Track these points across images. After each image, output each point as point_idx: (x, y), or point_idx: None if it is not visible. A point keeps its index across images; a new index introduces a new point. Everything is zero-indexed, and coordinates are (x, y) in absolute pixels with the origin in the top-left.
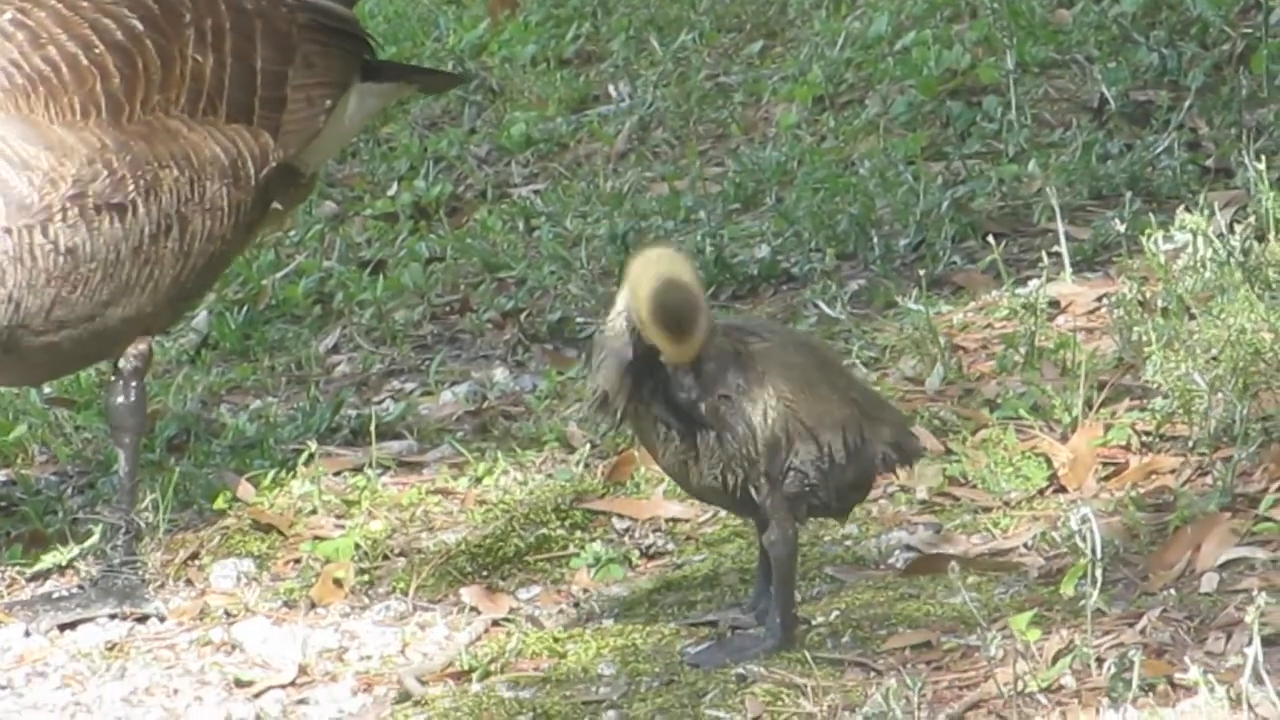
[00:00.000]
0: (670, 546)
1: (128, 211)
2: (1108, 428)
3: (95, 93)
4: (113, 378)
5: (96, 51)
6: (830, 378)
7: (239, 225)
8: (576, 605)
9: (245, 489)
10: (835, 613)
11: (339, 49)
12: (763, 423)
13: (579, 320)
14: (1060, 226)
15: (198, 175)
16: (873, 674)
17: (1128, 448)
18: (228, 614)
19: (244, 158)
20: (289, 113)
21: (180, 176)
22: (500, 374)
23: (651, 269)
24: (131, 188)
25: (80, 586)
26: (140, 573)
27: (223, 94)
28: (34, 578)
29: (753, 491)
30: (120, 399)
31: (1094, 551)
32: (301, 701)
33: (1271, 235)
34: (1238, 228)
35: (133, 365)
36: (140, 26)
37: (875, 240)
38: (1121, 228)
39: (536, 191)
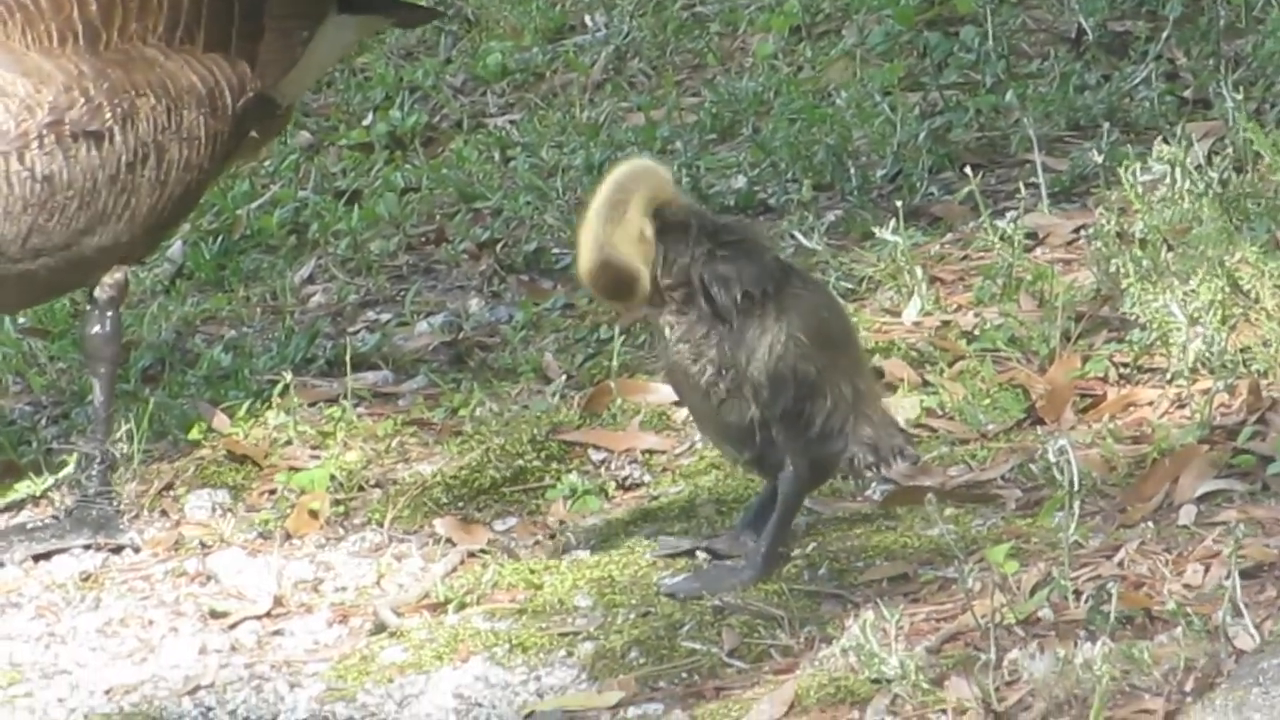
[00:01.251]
0: (647, 478)
1: (105, 139)
2: (1085, 359)
3: (72, 19)
4: (88, 307)
5: None
6: (849, 352)
7: (215, 155)
8: (552, 537)
9: (220, 420)
10: (812, 545)
11: None
12: (766, 355)
13: (555, 251)
14: (1038, 158)
15: (175, 104)
16: (849, 606)
17: (1105, 379)
18: (203, 545)
19: (221, 87)
20: (266, 43)
21: (157, 105)
22: (476, 305)
23: (592, 233)
24: (109, 115)
25: (55, 517)
26: (115, 503)
27: (200, 23)
28: (7, 508)
29: (755, 424)
30: (96, 329)
31: (1071, 484)
32: (277, 633)
33: (1249, 166)
34: (1215, 159)
35: (108, 295)
36: None
37: (852, 171)
38: (1099, 159)
39: (512, 121)
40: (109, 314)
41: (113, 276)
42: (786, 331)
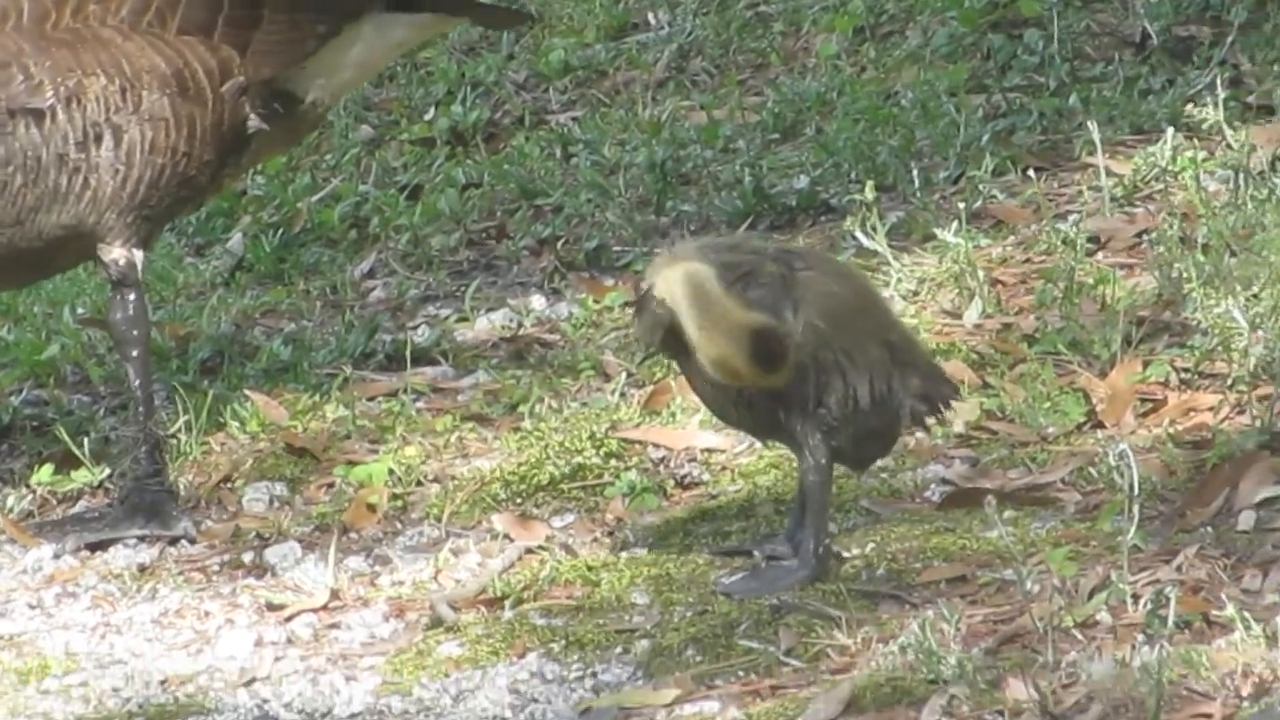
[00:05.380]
0: (705, 476)
1: (46, 117)
2: (1146, 364)
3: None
4: (109, 293)
5: None
6: (868, 314)
7: (200, 139)
8: (610, 534)
9: (279, 413)
10: (870, 545)
11: None
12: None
13: (616, 248)
14: (1101, 161)
15: (131, 84)
16: (907, 607)
17: (1166, 384)
18: (260, 537)
19: (193, 69)
20: (263, 32)
21: (109, 85)
22: (536, 301)
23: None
24: (50, 93)
25: (109, 505)
26: (166, 484)
27: (176, 7)
28: (65, 499)
29: (781, 416)
30: (119, 314)
31: (1131, 488)
32: (333, 626)
33: None
34: (1279, 164)
35: (117, 276)
36: None
37: (915, 172)
38: (1162, 163)
39: (574, 119)
40: (130, 295)
41: (110, 256)
42: (804, 321)
